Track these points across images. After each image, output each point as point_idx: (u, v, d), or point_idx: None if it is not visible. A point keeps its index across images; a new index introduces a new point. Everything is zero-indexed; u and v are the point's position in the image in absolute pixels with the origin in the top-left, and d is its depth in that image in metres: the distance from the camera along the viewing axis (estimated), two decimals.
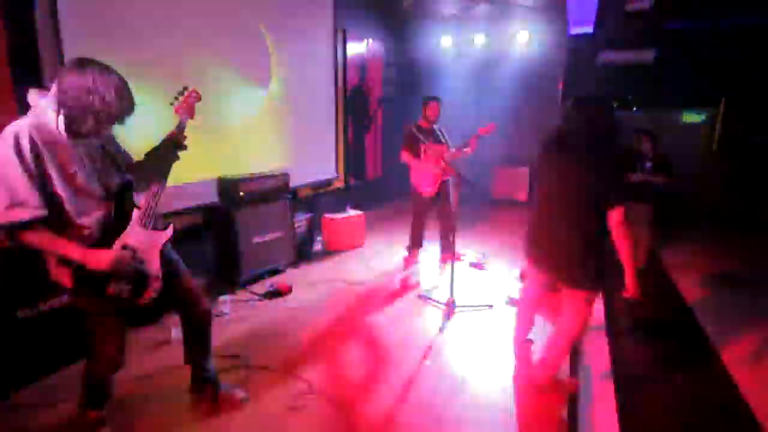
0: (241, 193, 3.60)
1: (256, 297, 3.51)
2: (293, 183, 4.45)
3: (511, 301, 3.43)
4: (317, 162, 5.23)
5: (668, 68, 6.37)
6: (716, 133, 6.45)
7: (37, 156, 1.48)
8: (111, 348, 1.79)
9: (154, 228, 1.76)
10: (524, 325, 2.51)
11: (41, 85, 2.29)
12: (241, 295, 3.54)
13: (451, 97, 6.22)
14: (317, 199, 5.31)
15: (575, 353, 2.68)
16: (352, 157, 6.14)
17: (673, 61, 6.33)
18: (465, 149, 3.96)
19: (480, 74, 7.56)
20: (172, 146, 1.82)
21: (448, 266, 3.97)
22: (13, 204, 1.45)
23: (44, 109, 1.54)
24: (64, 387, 2.29)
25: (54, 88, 1.53)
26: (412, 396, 2.32)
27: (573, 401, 2.28)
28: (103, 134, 1.63)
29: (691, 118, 6.71)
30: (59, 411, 2.13)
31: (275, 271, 4.01)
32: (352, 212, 4.89)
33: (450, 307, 3.26)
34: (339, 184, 5.80)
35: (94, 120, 1.54)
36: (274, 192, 3.91)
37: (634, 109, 6.99)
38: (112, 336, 1.78)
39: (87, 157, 1.61)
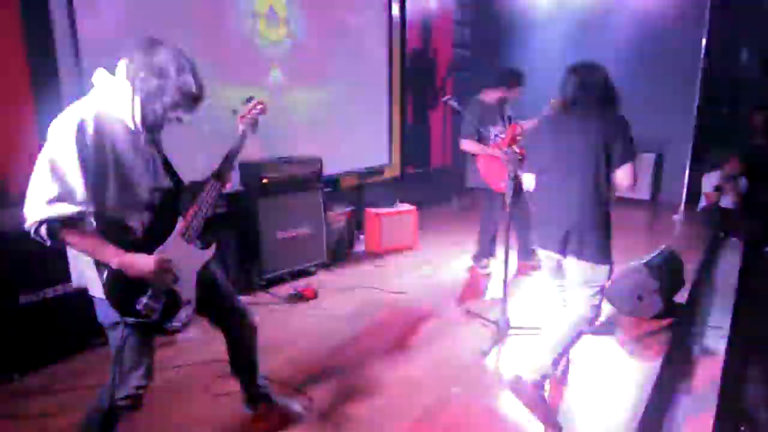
0: (264, 180, 4.06)
1: (276, 301, 3.95)
2: (333, 170, 4.87)
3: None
4: (365, 145, 5.63)
5: None
6: None
7: (100, 146, 1.67)
8: (133, 376, 1.90)
9: (196, 243, 1.95)
10: None
11: (57, 73, 2.95)
12: (260, 297, 4.01)
13: (544, 66, 6.21)
14: (364, 191, 5.69)
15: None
16: (412, 140, 6.43)
17: None
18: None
19: (586, 33, 7.41)
20: (229, 158, 2.09)
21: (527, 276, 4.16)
22: (60, 197, 1.60)
23: (114, 93, 1.73)
24: (67, 375, 2.89)
25: (123, 70, 1.73)
26: (425, 426, 2.55)
27: None
28: (170, 121, 1.81)
29: None
30: (59, 398, 2.69)
31: (303, 273, 4.44)
32: (402, 207, 5.19)
33: (501, 328, 3.40)
34: (393, 173, 6.13)
35: (168, 104, 1.72)
36: (303, 180, 4.34)
37: None
38: (136, 361, 1.90)
39: (146, 153, 1.82)
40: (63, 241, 1.67)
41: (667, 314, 3.59)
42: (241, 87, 4.15)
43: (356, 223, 5.16)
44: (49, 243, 1.66)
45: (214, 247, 2.04)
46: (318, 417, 2.59)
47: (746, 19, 6.39)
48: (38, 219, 1.61)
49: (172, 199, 1.92)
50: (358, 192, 5.62)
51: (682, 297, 3.85)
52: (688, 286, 3.96)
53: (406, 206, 5.22)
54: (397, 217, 5.12)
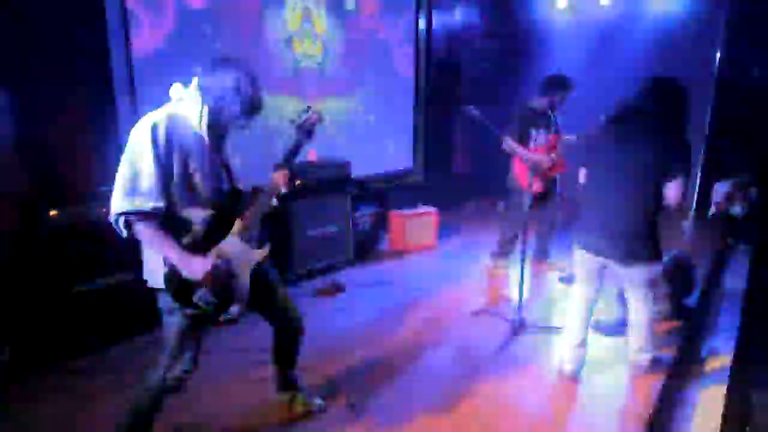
0: (297, 182, 4.21)
1: (304, 295, 4.12)
2: (360, 173, 5.03)
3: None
4: (390, 151, 5.81)
5: None
6: None
7: (170, 146, 1.83)
8: (181, 361, 2.04)
9: (252, 243, 2.08)
10: (580, 330, 2.96)
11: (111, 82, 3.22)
12: (290, 291, 4.12)
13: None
14: (389, 193, 5.85)
15: None
16: (435, 147, 6.56)
17: None
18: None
19: (605, 45, 7.42)
20: (284, 164, 2.25)
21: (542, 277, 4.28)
22: (137, 193, 1.78)
23: (186, 102, 1.94)
24: (116, 358, 3.11)
25: (196, 83, 1.95)
26: (445, 415, 2.70)
27: None
28: (237, 126, 2.02)
29: None
30: (108, 379, 2.89)
31: (330, 269, 4.61)
32: (423, 209, 5.33)
33: (516, 325, 3.54)
34: (416, 177, 6.27)
35: (233, 114, 1.93)
36: (332, 182, 4.52)
37: None
38: (186, 347, 2.04)
39: (210, 156, 1.97)
40: (135, 233, 1.83)
41: (677, 317, 3.66)
42: (278, 97, 4.36)
43: (381, 223, 5.32)
44: (125, 234, 1.84)
45: (268, 247, 2.16)
46: (341, 405, 2.73)
47: (761, 31, 6.36)
48: (118, 211, 1.80)
49: (231, 201, 2.07)
50: (383, 194, 5.76)
51: (691, 301, 3.91)
52: (698, 290, 4.02)
53: (427, 208, 5.35)
54: (419, 219, 5.26)
